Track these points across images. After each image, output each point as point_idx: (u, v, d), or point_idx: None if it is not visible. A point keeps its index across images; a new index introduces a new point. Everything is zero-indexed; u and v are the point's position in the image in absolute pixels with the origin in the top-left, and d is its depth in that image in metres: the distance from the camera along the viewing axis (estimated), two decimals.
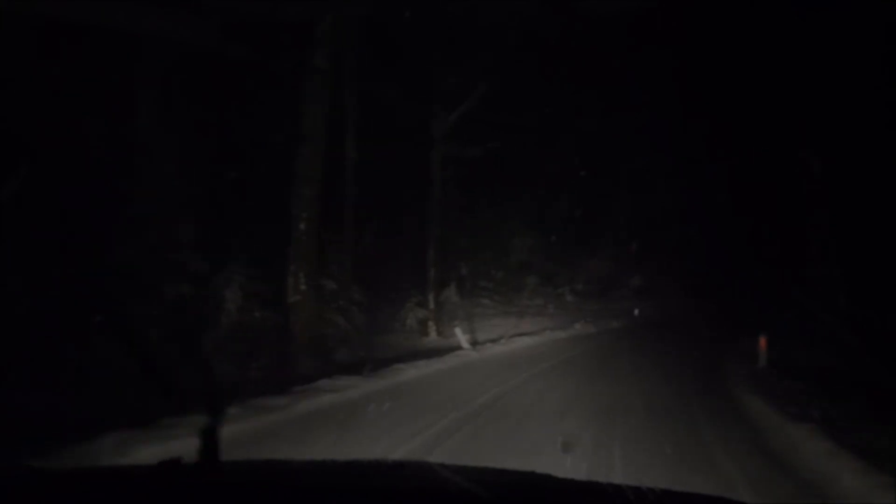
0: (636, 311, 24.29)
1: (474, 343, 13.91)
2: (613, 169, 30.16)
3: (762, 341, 11.02)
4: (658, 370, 10.94)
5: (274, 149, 12.65)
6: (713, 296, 27.69)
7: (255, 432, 6.14)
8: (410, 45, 16.15)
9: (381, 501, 1.29)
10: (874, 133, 16.47)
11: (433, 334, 16.04)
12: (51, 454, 4.53)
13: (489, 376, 9.91)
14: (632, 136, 28.60)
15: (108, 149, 9.85)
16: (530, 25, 16.78)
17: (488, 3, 15.90)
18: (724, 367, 11.53)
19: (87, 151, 9.29)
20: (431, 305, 16.87)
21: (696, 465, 5.36)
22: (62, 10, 8.77)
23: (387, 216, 18.52)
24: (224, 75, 11.86)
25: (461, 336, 13.36)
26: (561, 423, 6.82)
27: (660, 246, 30.36)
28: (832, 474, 5.07)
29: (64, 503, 1.25)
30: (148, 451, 4.92)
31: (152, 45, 10.58)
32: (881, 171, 16.56)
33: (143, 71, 11.09)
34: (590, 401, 8.14)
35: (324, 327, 12.53)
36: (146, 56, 10.96)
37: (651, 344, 15.82)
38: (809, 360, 11.15)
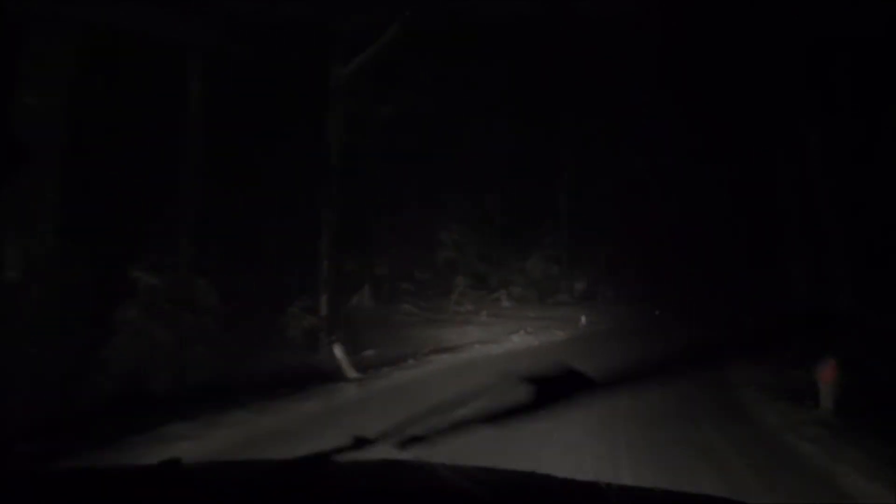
0: (583, 320, 20.72)
1: (366, 368, 9.69)
2: (557, 160, 26.68)
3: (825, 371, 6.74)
4: (631, 423, 6.86)
5: None
6: (674, 300, 24.67)
7: None
8: None
9: (380, 501, 1.29)
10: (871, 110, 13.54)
11: (337, 351, 11.68)
12: None
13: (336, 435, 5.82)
14: (580, 127, 25.37)
15: None
16: None
17: None
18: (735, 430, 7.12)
19: None
20: (324, 311, 12.62)
21: None
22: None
23: (262, 188, 14.08)
24: None
25: (341, 357, 9.20)
26: None
27: (610, 248, 27.11)
28: None
29: (64, 503, 1.23)
30: None
31: None
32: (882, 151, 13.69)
33: None
34: None
35: (134, 344, 8.14)
36: None
37: (608, 365, 12.11)
38: None
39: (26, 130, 7.04)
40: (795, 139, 15.78)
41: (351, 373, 8.90)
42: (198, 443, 5.63)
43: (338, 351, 9.31)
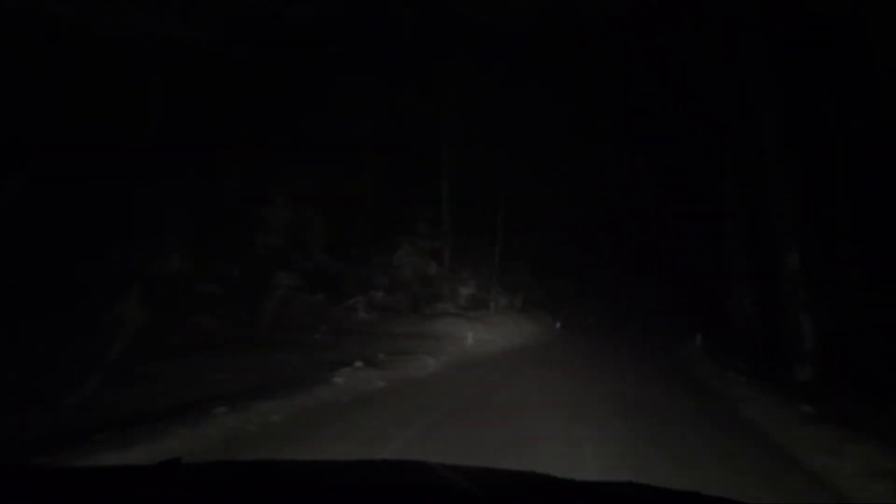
0: (470, 339, 14.40)
1: None
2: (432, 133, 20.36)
3: None
4: None
5: None
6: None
7: None
8: None
9: (380, 501, 1.29)
10: None
11: None
12: None
13: None
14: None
15: None
16: None
17: None
18: None
19: None
20: None
21: None
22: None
23: None
24: None
25: None
26: None
27: (505, 241, 21.06)
28: None
29: (64, 503, 1.23)
30: None
31: None
32: None
33: None
34: None
35: None
36: None
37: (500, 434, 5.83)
38: None
39: None
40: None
41: None
42: None
43: None
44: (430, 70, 19.42)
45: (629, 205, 30.99)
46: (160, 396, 6.72)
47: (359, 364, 8.87)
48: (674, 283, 30.47)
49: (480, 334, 16.52)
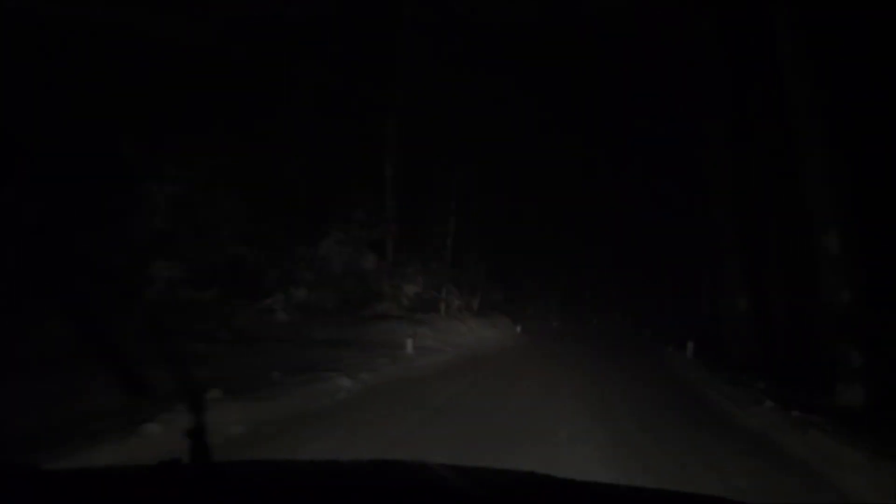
0: (409, 348, 11.33)
1: None
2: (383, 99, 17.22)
3: None
4: None
5: None
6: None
7: None
8: None
9: (380, 501, 1.28)
10: None
11: None
12: None
13: None
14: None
15: None
16: None
17: None
18: None
19: None
20: None
21: None
22: None
23: None
24: None
25: None
26: None
27: (459, 231, 18.07)
28: None
29: (64, 503, 1.21)
30: None
31: None
32: None
33: None
34: None
35: None
36: None
37: None
38: None
39: None
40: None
41: None
42: None
43: None
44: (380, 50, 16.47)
45: (606, 199, 28.40)
46: None
47: (216, 395, 5.73)
48: (654, 282, 27.86)
49: (426, 341, 13.49)
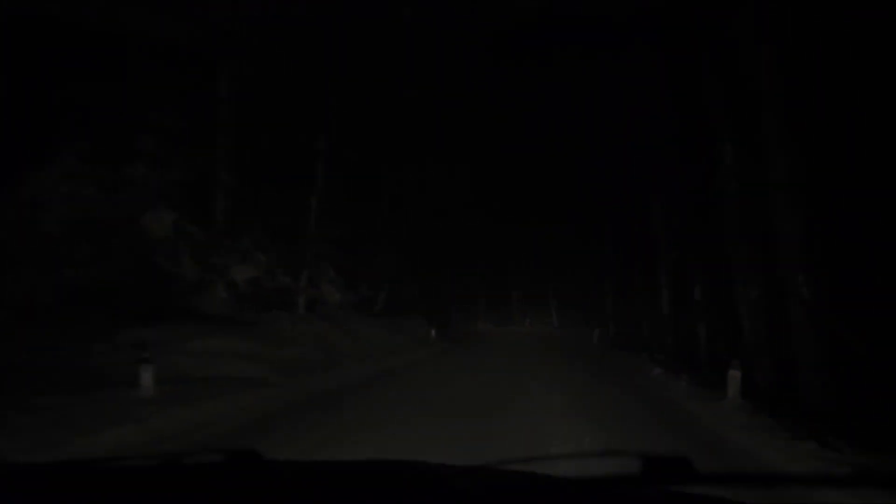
0: (145, 388, 5.09)
1: None
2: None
3: None
4: None
5: None
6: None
7: None
8: None
9: (380, 501, 1.22)
10: None
11: None
12: None
13: None
14: None
15: None
16: None
17: None
18: None
19: None
20: None
21: None
22: None
23: None
24: None
25: None
26: None
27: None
28: None
29: (64, 503, 1.15)
30: None
31: None
32: None
33: None
34: None
35: None
36: None
37: None
38: None
39: None
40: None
41: None
42: None
43: None
44: None
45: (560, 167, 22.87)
46: None
47: None
48: (612, 274, 22.19)
49: (225, 366, 7.23)
